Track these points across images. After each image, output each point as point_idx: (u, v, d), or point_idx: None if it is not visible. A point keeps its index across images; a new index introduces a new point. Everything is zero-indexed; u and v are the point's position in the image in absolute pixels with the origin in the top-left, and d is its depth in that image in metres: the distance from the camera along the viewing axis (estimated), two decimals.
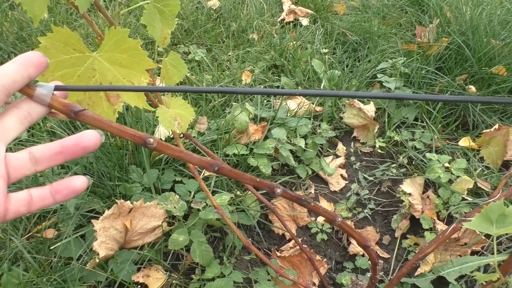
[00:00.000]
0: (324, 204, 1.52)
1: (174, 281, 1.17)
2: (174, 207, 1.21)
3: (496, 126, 1.56)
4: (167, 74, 1.05)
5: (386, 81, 1.88)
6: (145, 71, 0.78)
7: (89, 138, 0.47)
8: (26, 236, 1.17)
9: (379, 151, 1.69)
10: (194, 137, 1.51)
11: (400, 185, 1.49)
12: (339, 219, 0.81)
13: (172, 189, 1.34)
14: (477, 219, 0.55)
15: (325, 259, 1.33)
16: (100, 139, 0.47)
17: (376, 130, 1.74)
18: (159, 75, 1.11)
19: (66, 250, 1.12)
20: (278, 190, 0.69)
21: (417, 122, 1.78)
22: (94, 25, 0.97)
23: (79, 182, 0.45)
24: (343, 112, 1.81)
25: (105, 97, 0.80)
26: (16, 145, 1.42)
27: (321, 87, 1.87)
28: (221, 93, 1.75)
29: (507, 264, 0.55)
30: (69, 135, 1.42)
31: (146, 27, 1.01)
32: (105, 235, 1.15)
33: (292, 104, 1.73)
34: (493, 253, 1.33)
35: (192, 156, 0.62)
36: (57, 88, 0.53)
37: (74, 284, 1.04)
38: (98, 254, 1.11)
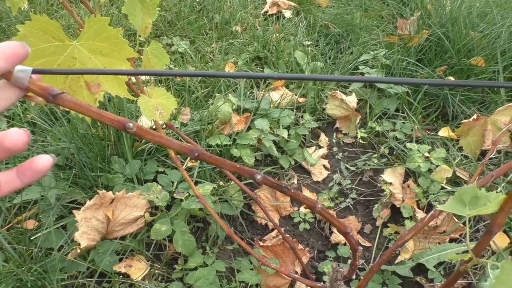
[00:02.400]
0: (306, 194, 1.53)
1: (156, 271, 1.17)
2: (157, 197, 1.21)
3: (475, 117, 1.60)
4: (148, 63, 1.04)
5: (368, 72, 1.90)
6: (126, 60, 0.77)
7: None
8: (6, 227, 1.16)
9: (361, 141, 1.71)
10: (177, 128, 1.51)
11: (381, 175, 1.51)
12: (319, 206, 0.82)
13: (155, 180, 1.34)
14: (451, 202, 0.56)
15: (307, 248, 1.35)
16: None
17: (358, 121, 1.75)
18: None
19: (47, 240, 1.12)
20: (258, 177, 0.70)
21: (398, 113, 1.80)
22: (74, 14, 0.96)
23: (42, 161, 0.43)
24: (326, 103, 1.82)
25: (85, 86, 0.79)
26: None
27: None
28: (201, 77, 1.75)
29: (479, 245, 0.57)
30: (50, 126, 1.41)
31: (128, 17, 1.00)
32: (86, 226, 1.14)
33: (275, 95, 1.73)
34: (470, 240, 1.36)
35: (172, 142, 0.63)
36: (34, 71, 0.52)
37: (54, 275, 1.03)
38: (79, 245, 1.10)
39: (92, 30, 0.73)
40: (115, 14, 2.26)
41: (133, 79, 1.17)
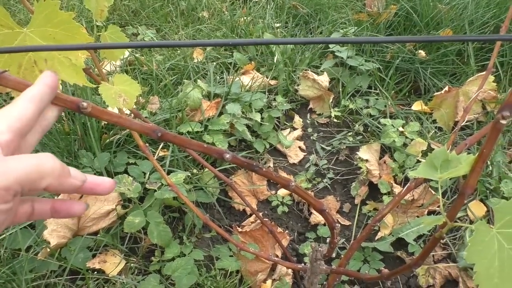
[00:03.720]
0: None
1: (132, 265, 1.14)
2: (128, 189, 1.17)
3: (446, 89, 1.60)
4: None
5: (339, 51, 1.87)
6: None
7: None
8: None
9: (335, 120, 1.70)
10: (146, 117, 1.46)
11: (357, 153, 1.49)
12: (293, 184, 0.80)
13: (126, 172, 1.29)
14: (422, 167, 0.54)
15: (287, 231, 1.33)
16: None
17: (331, 100, 1.74)
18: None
19: (14, 241, 1.06)
20: (227, 156, 0.67)
21: (370, 90, 1.79)
22: (25, 1, 0.91)
23: (79, 208, 0.44)
24: (298, 85, 1.80)
25: (40, 74, 0.74)
26: None
27: (274, 61, 1.85)
28: (158, 47, 1.70)
29: (453, 209, 0.55)
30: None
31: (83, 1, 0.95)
32: (56, 223, 1.09)
33: (246, 79, 1.70)
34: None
35: (132, 122, 0.59)
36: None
37: (24, 275, 0.98)
38: (49, 243, 1.06)
39: (42, 16, 0.68)
40: (76, 5, 2.18)
41: (95, 67, 1.12)
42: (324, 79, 1.73)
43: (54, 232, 1.08)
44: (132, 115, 1.24)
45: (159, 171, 1.05)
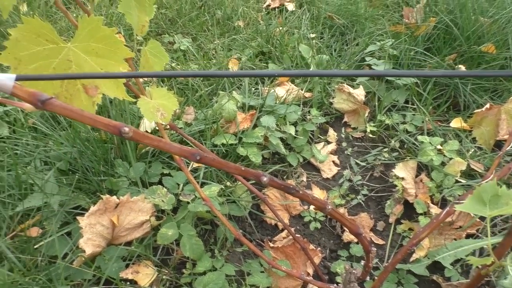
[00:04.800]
0: (316, 192, 1.49)
1: (164, 277, 1.14)
2: (162, 200, 1.18)
3: (488, 106, 1.54)
4: (147, 63, 1.01)
5: (375, 64, 1.85)
6: (124, 61, 0.74)
7: None
8: (10, 235, 1.13)
9: (371, 135, 1.67)
10: (181, 128, 1.47)
11: (393, 170, 1.46)
12: (329, 207, 0.78)
13: (160, 183, 1.31)
14: (470, 201, 0.52)
15: (319, 248, 1.31)
16: None
17: (366, 115, 1.71)
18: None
19: (51, 248, 1.09)
20: (265, 179, 0.66)
21: (407, 105, 1.75)
22: (68, 14, 0.93)
23: None
24: (333, 98, 1.78)
25: (83, 89, 0.76)
26: None
27: None
28: (201, 77, 1.71)
29: (501, 247, 0.52)
30: (52, 131, 1.38)
31: (125, 15, 0.97)
32: (91, 232, 1.11)
33: (281, 91, 1.69)
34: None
35: (172, 146, 0.59)
36: (18, 78, 0.49)
37: (60, 283, 1.00)
38: (84, 252, 1.07)
39: (86, 31, 0.70)
40: (115, 14, 2.22)
41: (134, 79, 1.14)
42: (359, 93, 1.71)
43: (89, 241, 1.10)
44: (168, 127, 1.26)
45: (194, 185, 1.05)
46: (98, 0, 0.94)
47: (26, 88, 0.50)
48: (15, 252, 1.08)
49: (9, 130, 1.42)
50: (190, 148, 0.60)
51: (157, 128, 1.40)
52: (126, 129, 0.52)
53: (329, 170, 1.57)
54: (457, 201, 0.90)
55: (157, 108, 0.98)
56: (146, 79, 1.71)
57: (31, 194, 1.18)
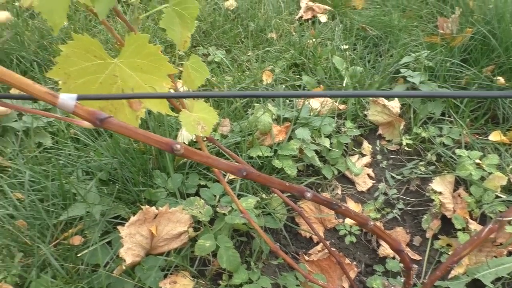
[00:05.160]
0: (351, 205, 1.48)
1: (201, 287, 1.16)
2: (200, 212, 1.19)
3: None
4: (188, 78, 1.03)
5: (410, 75, 1.83)
6: (167, 77, 0.76)
7: None
8: (54, 243, 1.17)
9: (406, 148, 1.65)
10: (217, 140, 1.49)
11: (430, 184, 1.44)
12: (371, 223, 0.78)
13: (197, 194, 1.33)
14: None
15: (354, 263, 1.30)
16: None
17: (402, 127, 1.69)
18: (180, 79, 1.09)
19: (93, 257, 1.12)
20: (308, 195, 0.67)
21: (444, 117, 1.73)
22: (113, 31, 0.96)
23: None
24: (367, 110, 1.77)
25: (127, 103, 0.78)
26: (42, 152, 1.42)
27: (343, 84, 1.83)
28: (243, 97, 1.73)
29: None
30: (93, 141, 1.43)
31: (165, 30, 0.99)
32: (131, 242, 1.14)
33: (315, 103, 1.69)
34: None
35: (220, 162, 0.61)
36: (80, 97, 0.52)
37: None
38: (124, 261, 1.10)
39: (132, 48, 0.72)
40: (151, 26, 2.28)
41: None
42: (395, 105, 1.70)
43: (129, 251, 1.12)
44: (205, 139, 1.27)
45: (232, 197, 1.07)
46: (142, 16, 0.97)
47: (86, 107, 0.52)
48: (58, 260, 1.12)
49: (52, 141, 1.47)
50: (237, 164, 0.62)
51: (194, 140, 1.43)
52: (178, 146, 0.54)
53: (364, 183, 1.56)
54: (500, 218, 0.88)
55: (198, 121, 1.00)
56: (185, 88, 1.74)
57: (73, 203, 1.21)
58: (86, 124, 0.55)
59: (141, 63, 0.74)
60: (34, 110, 0.55)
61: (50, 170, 1.29)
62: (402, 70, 1.88)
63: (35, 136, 1.47)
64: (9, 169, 1.39)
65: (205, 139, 1.35)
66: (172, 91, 0.86)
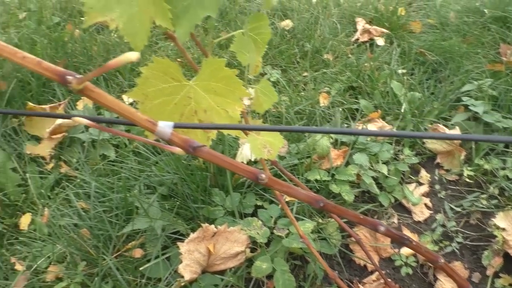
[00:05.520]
0: (407, 234, 1.45)
1: None
2: (257, 233, 1.20)
3: None
4: (257, 101, 1.05)
5: (473, 104, 1.78)
6: (239, 100, 0.78)
7: None
8: (115, 254, 1.20)
9: (467, 180, 1.60)
10: (275, 160, 1.50)
11: (492, 219, 1.39)
12: (442, 261, 0.76)
13: (253, 214, 1.34)
14: None
15: None
16: None
17: (462, 157, 1.64)
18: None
19: (153, 271, 1.14)
20: (382, 228, 0.66)
21: (508, 150, 1.66)
22: (186, 53, 0.99)
23: None
24: None
25: None
26: (105, 164, 1.48)
27: (402, 110, 1.81)
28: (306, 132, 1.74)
29: None
30: (154, 154, 1.47)
31: (236, 54, 1.02)
32: (189, 258, 1.16)
33: (371, 127, 1.68)
34: None
35: (299, 192, 0.62)
36: (176, 126, 0.54)
37: None
38: (183, 277, 1.12)
39: (209, 71, 0.75)
40: (215, 49, 2.34)
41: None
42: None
43: (188, 267, 1.14)
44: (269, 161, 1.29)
45: (292, 221, 1.07)
46: (216, 41, 1.00)
47: (181, 135, 0.54)
48: (120, 271, 1.15)
49: (116, 154, 1.53)
50: (314, 195, 0.62)
51: (253, 160, 1.45)
52: (263, 176, 0.56)
53: (420, 213, 1.52)
54: None
55: (264, 145, 1.02)
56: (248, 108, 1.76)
57: (136, 217, 1.25)
58: (178, 150, 0.57)
59: (215, 85, 0.76)
60: (128, 134, 0.58)
61: (115, 183, 1.34)
62: (464, 98, 1.83)
63: (100, 148, 1.53)
64: (75, 179, 1.46)
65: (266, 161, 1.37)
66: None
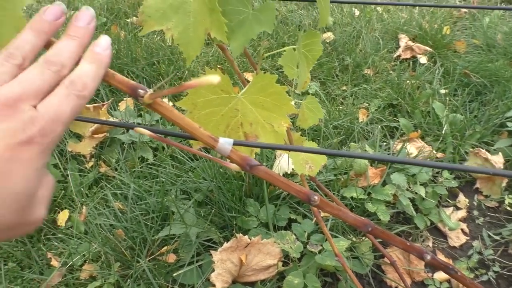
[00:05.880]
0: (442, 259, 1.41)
1: None
2: (291, 247, 1.20)
3: None
4: (302, 116, 1.05)
5: None
6: (286, 116, 0.78)
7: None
8: (149, 258, 1.22)
9: (507, 208, 1.55)
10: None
11: None
12: None
13: (286, 227, 1.33)
14: None
15: None
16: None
17: (503, 184, 1.60)
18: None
19: (186, 277, 1.15)
20: (428, 257, 0.65)
21: None
22: (235, 64, 1.00)
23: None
24: (466, 160, 1.69)
25: (243, 137, 0.81)
26: (143, 167, 1.51)
27: (442, 132, 1.77)
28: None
29: None
30: (191, 160, 1.48)
31: (283, 68, 1.02)
32: (222, 267, 1.16)
33: (412, 148, 1.65)
34: None
35: (348, 215, 0.61)
36: (235, 143, 0.55)
37: None
38: (214, 286, 1.12)
39: (259, 85, 0.75)
40: (245, 62, 2.35)
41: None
42: (498, 160, 1.61)
43: (219, 276, 1.15)
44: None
45: (328, 239, 1.06)
46: (266, 54, 1.00)
47: (239, 152, 0.55)
48: (153, 273, 1.17)
49: (154, 158, 1.55)
50: (363, 219, 0.62)
51: (288, 172, 1.44)
52: (316, 197, 0.57)
53: (457, 238, 1.48)
54: None
55: (306, 161, 1.02)
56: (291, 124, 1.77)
57: (172, 222, 1.27)
58: (234, 166, 0.58)
59: (263, 100, 0.77)
60: (188, 147, 0.59)
61: (153, 186, 1.36)
62: (508, 124, 1.78)
63: (139, 150, 1.56)
64: (113, 179, 1.48)
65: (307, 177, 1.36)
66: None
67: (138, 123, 1.72)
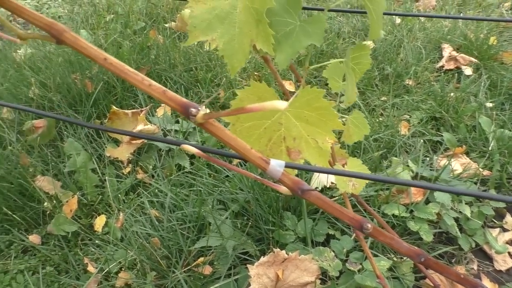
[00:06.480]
0: (487, 283, 1.34)
1: None
2: (329, 265, 1.16)
3: None
4: (348, 132, 1.02)
5: None
6: (331, 131, 0.75)
7: None
8: (185, 268, 1.21)
9: None
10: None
11: None
12: None
13: (324, 243, 1.29)
14: None
15: None
16: None
17: None
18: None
19: None
20: None
21: None
22: (278, 76, 0.97)
23: None
24: None
25: (286, 151, 0.78)
26: (180, 175, 1.50)
27: (489, 148, 1.69)
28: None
29: None
30: (224, 170, 1.46)
31: (328, 80, 0.99)
32: (258, 282, 1.14)
33: (457, 165, 1.58)
34: None
35: (402, 245, 0.58)
36: (287, 166, 0.52)
37: None
38: None
39: (304, 100, 0.73)
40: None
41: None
42: None
43: None
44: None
45: (370, 260, 1.01)
46: (312, 68, 0.97)
47: (292, 176, 0.52)
48: (188, 284, 1.15)
49: (190, 166, 1.55)
50: (416, 248, 0.59)
51: (327, 186, 1.41)
52: (369, 225, 0.54)
53: (503, 261, 1.41)
54: None
55: (350, 178, 0.98)
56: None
57: (209, 233, 1.25)
58: (284, 189, 0.55)
59: (308, 114, 0.74)
60: (237, 168, 0.57)
61: (190, 195, 1.35)
62: None
63: (176, 157, 1.56)
64: (150, 186, 1.48)
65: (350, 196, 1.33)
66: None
67: (176, 130, 1.71)
